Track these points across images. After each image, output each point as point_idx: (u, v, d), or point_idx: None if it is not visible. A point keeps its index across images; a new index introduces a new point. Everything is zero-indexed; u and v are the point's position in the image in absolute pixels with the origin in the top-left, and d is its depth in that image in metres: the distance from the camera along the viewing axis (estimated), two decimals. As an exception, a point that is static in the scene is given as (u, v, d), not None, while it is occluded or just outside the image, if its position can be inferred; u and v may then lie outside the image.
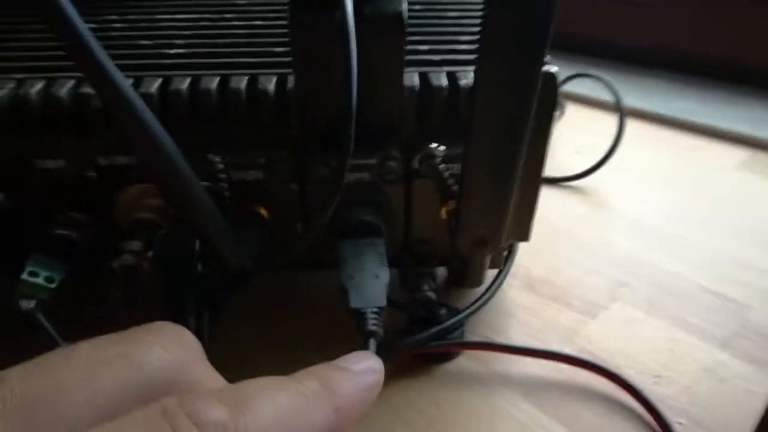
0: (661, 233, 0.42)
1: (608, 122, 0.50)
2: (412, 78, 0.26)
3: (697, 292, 0.36)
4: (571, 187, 0.48)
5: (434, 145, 0.26)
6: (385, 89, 0.25)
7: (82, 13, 0.18)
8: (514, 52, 0.20)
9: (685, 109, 0.64)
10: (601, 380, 0.29)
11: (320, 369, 0.17)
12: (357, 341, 0.23)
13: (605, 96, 0.52)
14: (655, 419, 0.26)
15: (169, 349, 0.15)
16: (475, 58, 0.21)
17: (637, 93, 0.69)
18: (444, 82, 0.26)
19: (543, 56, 0.21)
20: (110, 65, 0.19)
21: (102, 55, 0.18)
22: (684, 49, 0.76)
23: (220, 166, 0.26)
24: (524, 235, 0.32)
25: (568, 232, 0.42)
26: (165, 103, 0.26)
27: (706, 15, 0.73)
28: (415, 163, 0.27)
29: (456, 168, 0.27)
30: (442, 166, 0.27)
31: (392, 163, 0.26)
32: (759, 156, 0.54)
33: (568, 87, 0.62)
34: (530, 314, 0.34)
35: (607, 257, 0.39)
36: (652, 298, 0.35)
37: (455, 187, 0.27)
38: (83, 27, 0.18)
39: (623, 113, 0.49)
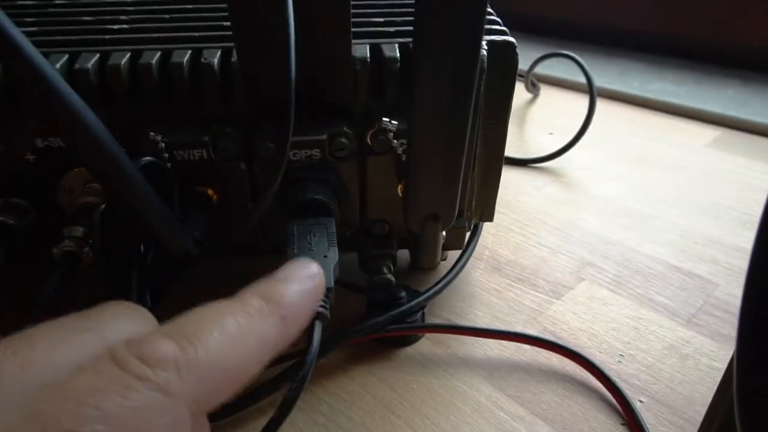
0: (631, 213, 0.41)
1: (582, 103, 0.49)
2: (363, 49, 0.25)
3: (664, 270, 0.35)
4: (543, 168, 0.48)
5: (387, 119, 0.25)
6: (334, 61, 0.24)
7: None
8: (450, 16, 0.19)
9: (661, 90, 0.64)
10: (563, 360, 0.28)
11: (262, 284, 0.17)
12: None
13: (580, 78, 0.51)
14: (617, 398, 0.26)
15: (129, 319, 0.16)
16: (413, 23, 0.20)
17: (615, 75, 0.69)
18: (396, 53, 0.25)
19: (483, 18, 0.20)
20: (23, 41, 0.17)
21: (13, 29, 0.17)
22: (664, 32, 0.75)
23: (162, 144, 0.25)
24: (488, 215, 0.32)
25: (538, 213, 0.41)
26: (103, 79, 0.25)
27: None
28: (368, 139, 0.26)
29: (410, 144, 0.26)
30: (396, 141, 0.26)
31: (343, 140, 0.25)
32: (729, 135, 0.54)
33: (543, 69, 0.61)
34: (494, 296, 0.33)
35: (575, 238, 0.38)
36: (619, 277, 0.35)
37: (410, 164, 0.26)
38: None
39: (594, 93, 0.49)
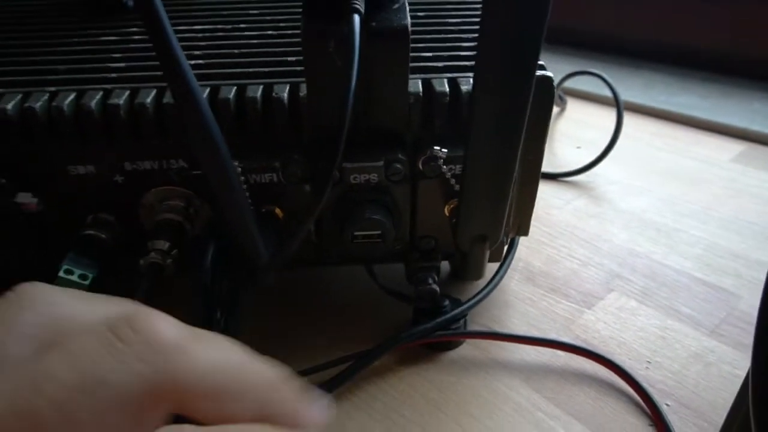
0: (658, 226, 0.43)
1: (608, 117, 0.51)
2: (416, 85, 0.28)
3: (689, 282, 0.37)
4: (571, 182, 0.50)
5: (437, 147, 0.28)
6: (392, 97, 0.27)
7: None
8: (508, 61, 0.22)
9: (685, 104, 0.65)
10: (595, 366, 0.31)
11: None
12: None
13: (606, 91, 0.53)
14: (645, 401, 0.28)
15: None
16: (473, 66, 0.23)
17: (639, 88, 0.71)
18: (446, 88, 0.28)
19: (536, 63, 0.23)
20: (188, 68, 0.21)
21: (186, 64, 0.21)
22: (687, 44, 0.77)
23: (239, 169, 0.28)
24: (524, 230, 0.34)
25: (567, 226, 0.44)
26: (187, 111, 0.28)
27: (706, 9, 0.74)
28: (420, 165, 0.29)
29: (457, 168, 0.29)
30: (445, 167, 0.28)
31: (398, 165, 0.28)
32: (754, 149, 0.56)
33: (570, 83, 0.63)
34: (529, 305, 0.36)
35: (604, 250, 0.41)
36: (646, 288, 0.37)
37: (457, 187, 0.29)
38: (174, 39, 0.20)
39: (621, 110, 0.51)
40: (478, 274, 0.28)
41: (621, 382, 0.30)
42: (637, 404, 0.29)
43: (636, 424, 0.28)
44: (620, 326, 0.34)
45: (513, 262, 0.38)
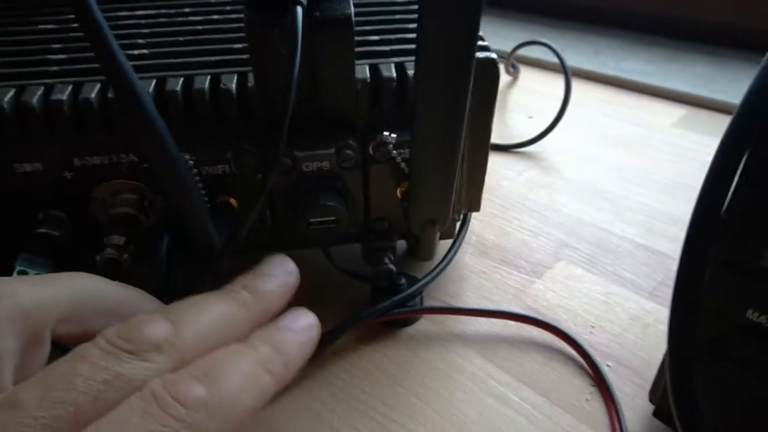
0: (604, 194, 0.45)
1: (560, 85, 0.52)
2: (363, 71, 0.29)
3: (631, 248, 0.40)
4: (523, 153, 0.52)
5: (386, 133, 0.29)
6: (339, 84, 0.28)
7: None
8: (447, 44, 0.23)
9: (632, 69, 0.67)
10: (543, 333, 0.32)
11: (269, 332, 0.21)
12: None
13: (557, 59, 0.54)
14: (588, 364, 0.30)
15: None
16: (415, 52, 0.23)
17: (590, 54, 0.72)
18: (393, 73, 0.29)
19: (473, 51, 0.24)
20: (127, 65, 0.21)
21: (123, 58, 0.20)
22: (638, 8, 0.78)
23: (191, 162, 0.28)
24: (476, 206, 0.36)
25: (519, 198, 0.45)
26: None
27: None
28: (370, 150, 0.29)
29: (407, 153, 0.30)
30: (395, 151, 0.29)
31: (349, 152, 0.29)
32: (695, 113, 0.58)
33: (523, 51, 0.64)
34: (482, 278, 0.37)
35: (553, 220, 0.43)
36: (592, 256, 0.39)
37: (407, 170, 0.30)
38: (108, 32, 0.20)
39: (569, 80, 0.52)
40: (430, 254, 0.29)
41: (567, 347, 0.32)
42: (581, 367, 0.31)
43: (580, 385, 0.30)
44: (567, 294, 0.36)
45: (467, 235, 0.40)
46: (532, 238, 0.41)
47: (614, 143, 0.53)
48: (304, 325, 0.22)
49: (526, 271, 0.38)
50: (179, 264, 0.29)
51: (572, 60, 0.55)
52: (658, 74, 0.66)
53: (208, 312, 0.20)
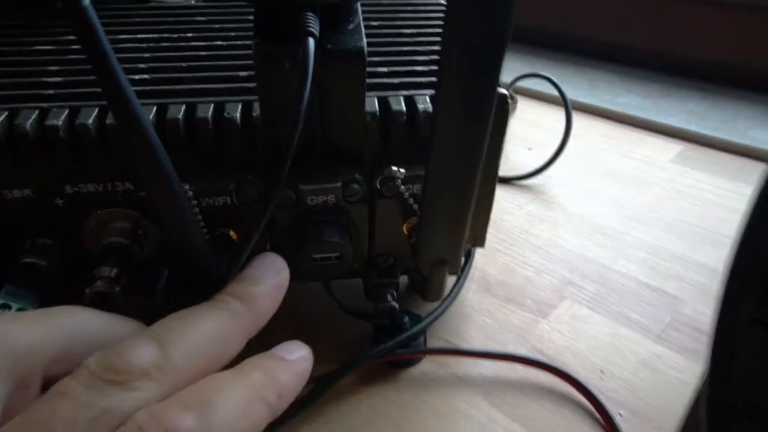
0: (605, 230, 0.45)
1: (558, 117, 0.52)
2: (372, 103, 0.28)
3: (636, 287, 0.39)
4: (523, 186, 0.51)
5: (395, 168, 0.28)
6: (348, 117, 0.27)
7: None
8: (470, 79, 0.22)
9: (629, 104, 0.67)
10: (551, 378, 0.31)
11: (263, 360, 0.20)
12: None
13: (555, 91, 0.54)
14: (599, 412, 0.29)
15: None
16: (435, 83, 0.22)
17: (587, 88, 0.72)
18: (402, 106, 0.28)
19: (496, 86, 0.23)
20: (130, 90, 0.19)
21: (126, 84, 0.19)
22: (633, 44, 0.79)
23: (190, 193, 0.27)
24: (480, 242, 0.35)
25: (521, 232, 0.44)
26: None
27: (648, 10, 0.77)
28: (377, 185, 0.28)
29: (415, 188, 0.29)
30: (403, 187, 0.28)
31: (356, 186, 0.28)
32: (691, 149, 0.58)
33: (521, 82, 0.64)
34: (487, 316, 0.36)
35: (556, 256, 0.42)
36: (597, 295, 0.38)
37: (415, 206, 0.29)
38: (113, 58, 0.18)
39: (570, 114, 0.52)
40: (438, 296, 0.28)
41: (576, 393, 0.31)
42: (592, 415, 0.30)
43: (591, 434, 0.29)
44: (574, 335, 0.35)
45: (470, 272, 0.38)
46: (536, 275, 0.40)
47: (613, 178, 0.52)
48: (299, 356, 0.21)
49: (531, 310, 0.37)
50: (175, 299, 0.27)
51: (569, 92, 0.55)
52: (653, 109, 0.66)
53: (199, 328, 0.19)
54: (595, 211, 0.47)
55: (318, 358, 0.31)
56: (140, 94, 0.27)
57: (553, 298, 0.38)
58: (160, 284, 0.27)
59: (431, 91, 0.29)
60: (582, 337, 0.35)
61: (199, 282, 0.25)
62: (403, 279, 0.37)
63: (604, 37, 0.82)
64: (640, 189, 0.51)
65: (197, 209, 0.27)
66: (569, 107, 0.53)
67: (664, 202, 0.49)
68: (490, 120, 0.23)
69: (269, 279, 0.22)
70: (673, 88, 0.72)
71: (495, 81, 0.22)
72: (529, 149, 0.57)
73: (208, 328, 0.19)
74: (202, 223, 0.26)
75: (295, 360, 0.21)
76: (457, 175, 0.24)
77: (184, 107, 0.27)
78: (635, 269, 0.41)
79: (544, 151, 0.51)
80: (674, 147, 0.59)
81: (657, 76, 0.76)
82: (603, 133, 0.61)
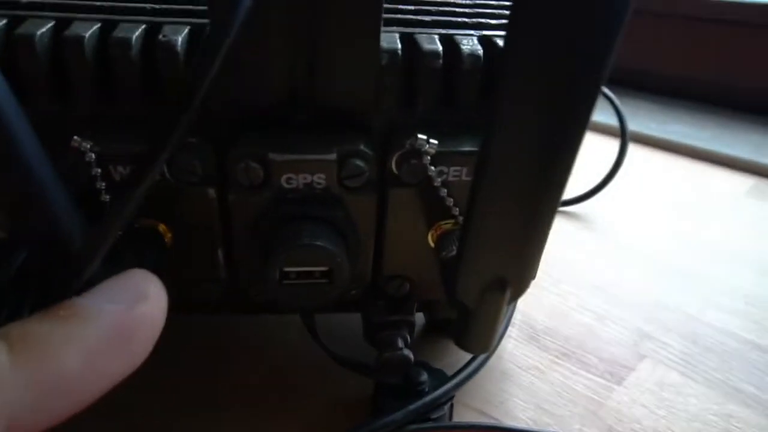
0: (679, 270, 0.34)
1: (599, 143, 0.43)
2: (391, 39, 0.18)
3: (740, 347, 0.28)
4: (568, 213, 0.41)
5: (422, 136, 0.18)
6: (351, 57, 0.17)
7: None
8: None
9: (682, 133, 0.58)
10: (646, 481, 0.20)
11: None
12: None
13: (597, 117, 0.45)
14: None
15: None
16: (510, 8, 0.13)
17: (628, 115, 0.64)
18: (438, 45, 0.18)
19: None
20: None
21: None
22: (674, 74, 0.71)
23: (91, 156, 0.17)
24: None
25: (572, 268, 0.34)
26: (11, 54, 0.17)
27: (695, 39, 0.69)
28: (393, 164, 0.18)
29: (452, 172, 0.19)
30: (433, 168, 0.18)
31: (359, 162, 0.18)
32: (764, 183, 0.48)
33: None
34: (536, 377, 0.25)
35: (623, 300, 0.31)
36: (687, 355, 0.27)
37: (449, 201, 0.19)
38: None
39: (626, 130, 0.42)
40: (487, 342, 0.17)
41: None
42: None
43: None
44: (666, 412, 0.24)
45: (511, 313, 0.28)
46: (598, 323, 0.29)
47: (677, 210, 0.42)
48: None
49: (599, 372, 0.26)
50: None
51: (609, 120, 0.47)
52: (713, 141, 0.57)
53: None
54: (662, 247, 0.37)
55: (294, 431, 0.21)
56: (33, 6, 0.18)
57: (628, 357, 0.27)
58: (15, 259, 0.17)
59: (480, 33, 0.19)
60: (679, 416, 0.24)
61: (53, 255, 0.14)
62: (420, 319, 0.27)
63: (647, 67, 0.73)
64: (714, 224, 0.40)
65: (103, 184, 0.17)
66: (625, 124, 0.43)
67: (747, 240, 0.38)
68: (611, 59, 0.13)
69: (105, 315, 0.11)
70: (729, 120, 0.63)
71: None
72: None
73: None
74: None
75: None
76: (546, 149, 0.13)
77: (97, 26, 0.17)
78: (733, 323, 0.30)
79: (588, 177, 0.42)
80: (746, 180, 0.49)
81: (704, 108, 0.67)
82: (659, 162, 0.52)
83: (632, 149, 0.54)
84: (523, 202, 0.14)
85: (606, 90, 0.45)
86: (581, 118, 0.13)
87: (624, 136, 0.42)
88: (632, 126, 0.60)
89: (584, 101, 0.13)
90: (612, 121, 0.45)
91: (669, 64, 0.72)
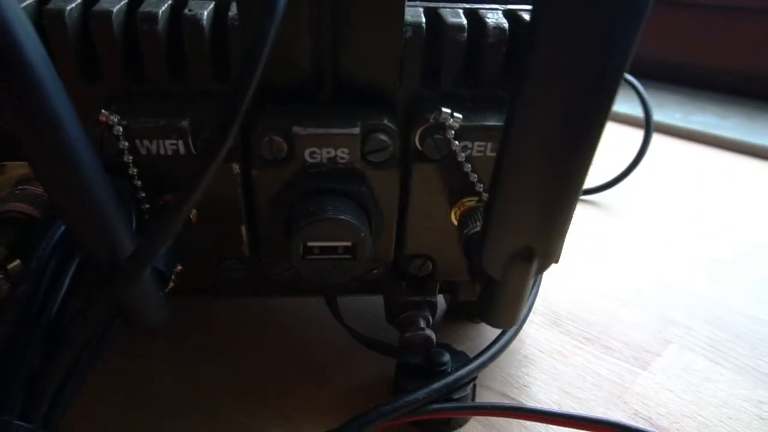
0: (704, 258, 0.34)
1: (624, 134, 0.42)
2: (416, 13, 0.18)
3: (770, 334, 0.27)
4: (590, 202, 0.40)
5: (446, 110, 0.17)
6: (376, 31, 0.17)
7: None
8: None
9: (707, 123, 0.57)
10: (673, 464, 0.20)
11: None
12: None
13: (619, 108, 0.44)
14: None
15: None
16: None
17: (654, 106, 0.63)
18: (463, 19, 0.18)
19: None
20: None
21: None
22: (699, 64, 0.70)
23: (119, 129, 0.17)
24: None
25: (594, 254, 0.33)
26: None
27: (720, 29, 0.68)
28: (416, 139, 0.18)
29: (476, 147, 0.18)
30: (457, 143, 0.18)
31: (384, 137, 0.18)
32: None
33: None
34: (559, 361, 0.25)
35: (646, 285, 0.31)
36: (714, 341, 0.27)
37: (473, 177, 0.19)
38: None
39: (650, 120, 0.42)
40: (514, 316, 0.17)
41: (718, 494, 0.19)
42: None
43: None
44: (694, 397, 0.23)
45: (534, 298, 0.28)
46: (622, 309, 0.29)
47: (704, 199, 0.41)
48: None
49: (623, 357, 0.25)
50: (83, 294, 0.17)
51: (632, 110, 0.46)
52: (737, 130, 0.56)
53: None
54: (686, 235, 0.36)
55: (312, 412, 0.21)
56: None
57: (653, 342, 0.26)
58: (65, 277, 0.17)
59: (504, 7, 0.19)
60: (708, 402, 0.23)
61: (98, 266, 0.14)
62: (441, 303, 0.27)
63: (669, 58, 0.72)
64: (736, 213, 0.39)
65: (131, 158, 0.17)
66: (649, 112, 0.42)
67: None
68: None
69: None
70: (753, 110, 0.62)
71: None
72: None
73: None
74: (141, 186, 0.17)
75: None
76: (573, 119, 0.13)
77: (125, 0, 0.17)
78: (764, 311, 0.29)
79: (609, 168, 0.41)
80: (770, 168, 0.48)
81: (729, 98, 0.66)
82: (683, 152, 0.51)
83: (657, 139, 0.53)
84: (552, 172, 0.14)
85: (630, 77, 0.45)
86: (609, 90, 0.13)
87: (648, 124, 0.42)
88: (657, 117, 0.59)
89: (612, 73, 0.12)
90: (636, 112, 0.44)
91: (694, 54, 0.70)
